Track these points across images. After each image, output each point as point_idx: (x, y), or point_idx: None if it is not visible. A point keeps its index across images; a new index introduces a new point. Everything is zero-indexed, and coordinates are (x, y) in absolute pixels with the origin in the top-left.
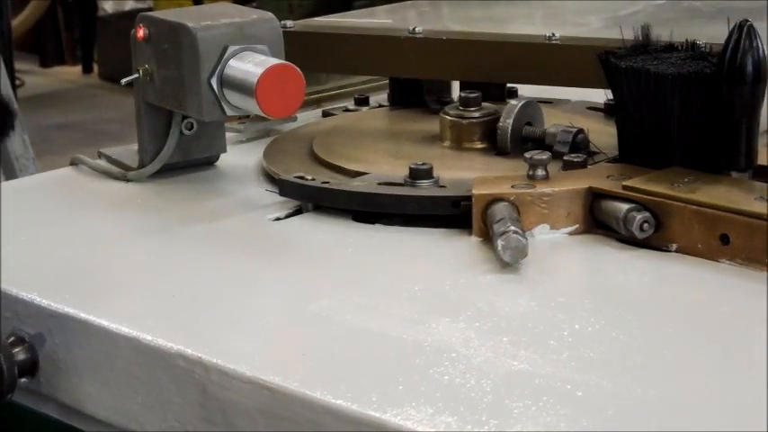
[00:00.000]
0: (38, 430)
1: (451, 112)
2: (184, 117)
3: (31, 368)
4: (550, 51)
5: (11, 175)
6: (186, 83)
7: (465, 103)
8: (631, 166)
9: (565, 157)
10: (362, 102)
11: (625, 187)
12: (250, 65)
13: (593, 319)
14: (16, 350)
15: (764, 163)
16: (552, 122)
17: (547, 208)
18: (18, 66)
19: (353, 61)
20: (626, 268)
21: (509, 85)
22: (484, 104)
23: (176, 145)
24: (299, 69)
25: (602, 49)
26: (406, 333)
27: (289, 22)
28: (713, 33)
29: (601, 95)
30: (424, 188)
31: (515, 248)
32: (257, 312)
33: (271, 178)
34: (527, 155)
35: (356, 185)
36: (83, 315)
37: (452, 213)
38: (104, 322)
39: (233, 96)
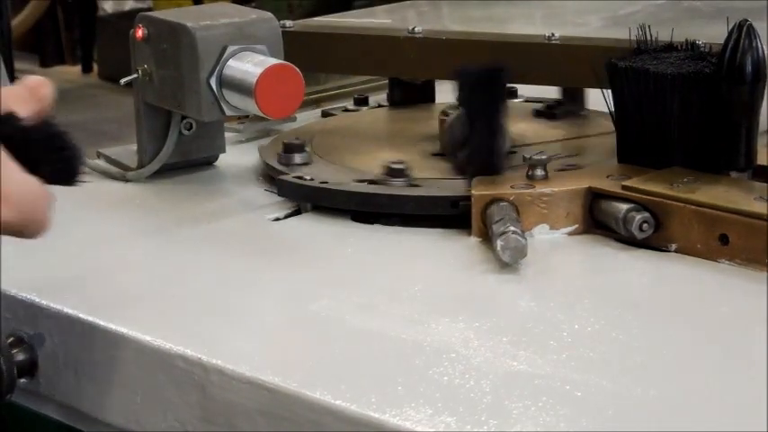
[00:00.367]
0: (37, 431)
1: (451, 112)
2: (183, 117)
3: (30, 369)
4: (550, 51)
5: None
6: (185, 83)
7: None
8: (631, 166)
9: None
10: (362, 102)
11: (624, 187)
12: (249, 65)
13: (592, 319)
14: (16, 350)
15: (764, 163)
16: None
17: (546, 208)
18: (18, 66)
19: (353, 61)
20: (625, 268)
21: (509, 85)
22: None
23: (175, 145)
24: (298, 69)
25: (602, 50)
26: (405, 333)
27: (288, 22)
28: (713, 33)
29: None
30: (424, 188)
31: (515, 249)
32: (257, 313)
33: (270, 178)
34: (526, 155)
35: (334, 184)
36: (82, 315)
37: (452, 213)
38: (104, 323)
39: (232, 96)
